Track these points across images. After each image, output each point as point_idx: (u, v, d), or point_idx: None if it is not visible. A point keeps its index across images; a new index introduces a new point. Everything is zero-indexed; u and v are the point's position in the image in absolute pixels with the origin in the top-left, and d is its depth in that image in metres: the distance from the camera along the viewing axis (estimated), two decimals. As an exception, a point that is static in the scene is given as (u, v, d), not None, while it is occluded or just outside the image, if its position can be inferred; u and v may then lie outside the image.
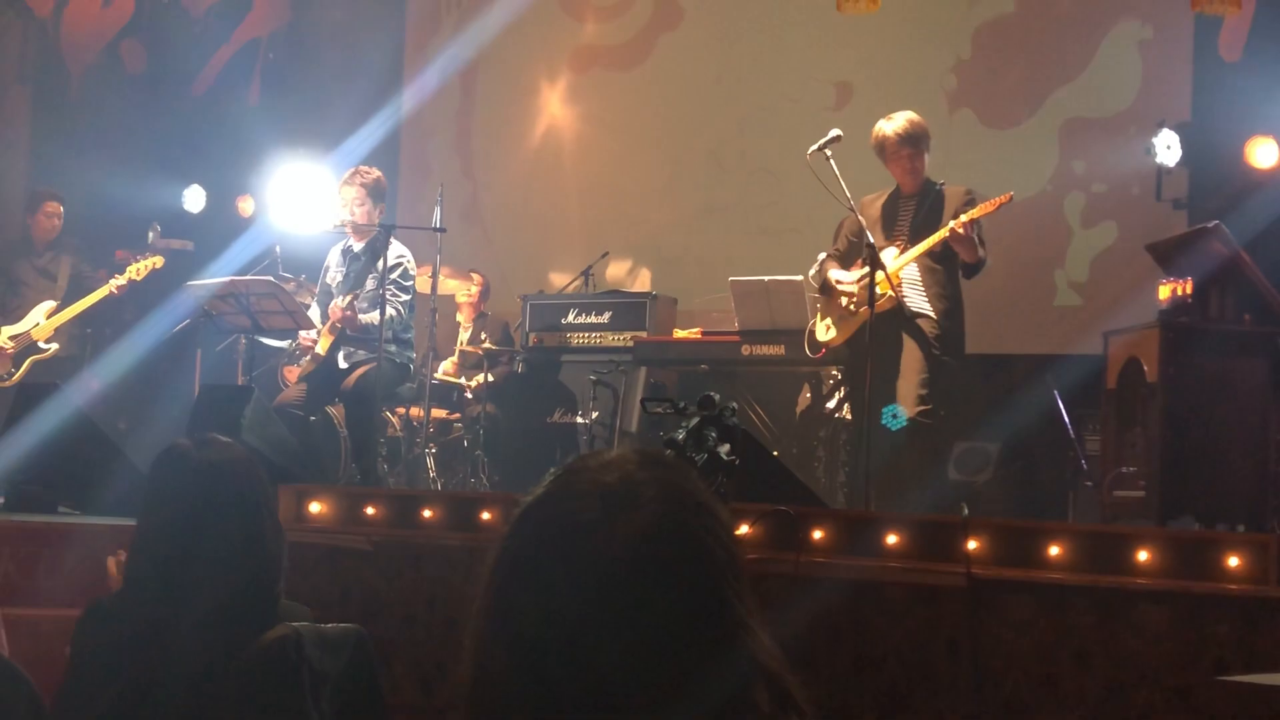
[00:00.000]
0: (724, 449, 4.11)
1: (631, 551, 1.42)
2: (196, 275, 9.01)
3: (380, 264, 7.89)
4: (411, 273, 8.19)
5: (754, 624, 1.47)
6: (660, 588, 1.42)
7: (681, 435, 4.09)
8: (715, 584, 1.45)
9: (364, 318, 8.00)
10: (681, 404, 4.40)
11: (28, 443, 6.78)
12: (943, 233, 6.95)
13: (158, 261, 9.37)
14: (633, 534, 1.43)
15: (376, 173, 8.24)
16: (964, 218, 6.90)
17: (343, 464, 8.39)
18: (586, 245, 9.99)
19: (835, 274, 7.26)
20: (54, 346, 9.42)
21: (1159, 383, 6.13)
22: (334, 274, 8.30)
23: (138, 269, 9.32)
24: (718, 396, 4.21)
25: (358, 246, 8.21)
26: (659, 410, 5.59)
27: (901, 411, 7.10)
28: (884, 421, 7.09)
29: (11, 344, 9.37)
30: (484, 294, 9.84)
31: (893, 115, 7.19)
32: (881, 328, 6.83)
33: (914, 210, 7.21)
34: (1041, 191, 9.03)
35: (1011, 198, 7.03)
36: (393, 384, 8.09)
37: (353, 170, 8.25)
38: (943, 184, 7.24)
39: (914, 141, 7.14)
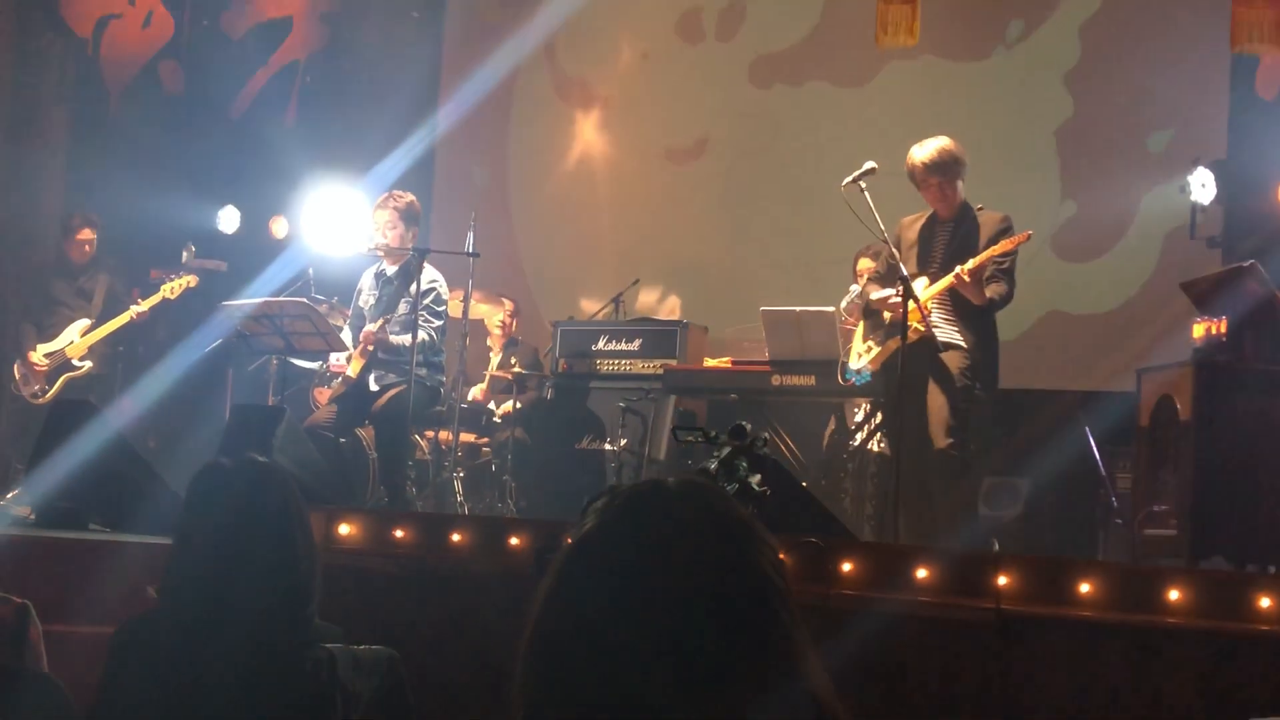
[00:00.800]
0: (755, 479, 4.12)
1: (688, 579, 1.42)
2: (230, 296, 9.05)
3: (413, 288, 7.92)
4: (444, 298, 8.22)
5: (808, 651, 1.47)
6: (719, 615, 1.42)
7: (713, 465, 4.09)
8: (773, 611, 1.45)
9: (395, 339, 8.04)
10: (713, 433, 4.40)
11: (60, 460, 6.82)
12: (948, 280, 6.95)
13: (191, 281, 9.44)
14: (689, 561, 1.43)
15: (410, 197, 8.27)
16: (968, 265, 6.91)
17: (371, 486, 8.40)
18: (618, 272, 10.01)
19: (876, 294, 7.25)
20: (88, 364, 9.51)
21: (1192, 422, 6.10)
22: (366, 297, 8.33)
23: (171, 288, 9.40)
24: (749, 426, 4.21)
25: (391, 270, 8.24)
26: (690, 439, 5.59)
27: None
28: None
29: (46, 361, 9.45)
30: (514, 319, 9.87)
31: (925, 142, 7.19)
32: (913, 358, 6.82)
33: (949, 236, 7.20)
34: (1075, 226, 9.02)
35: (1030, 237, 7.02)
36: (422, 407, 8.12)
37: (386, 194, 8.28)
38: (980, 208, 7.23)
39: (942, 169, 7.13)
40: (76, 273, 9.83)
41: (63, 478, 6.76)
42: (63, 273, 9.90)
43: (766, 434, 4.06)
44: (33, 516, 7.01)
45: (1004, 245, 6.96)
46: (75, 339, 9.48)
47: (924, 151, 7.14)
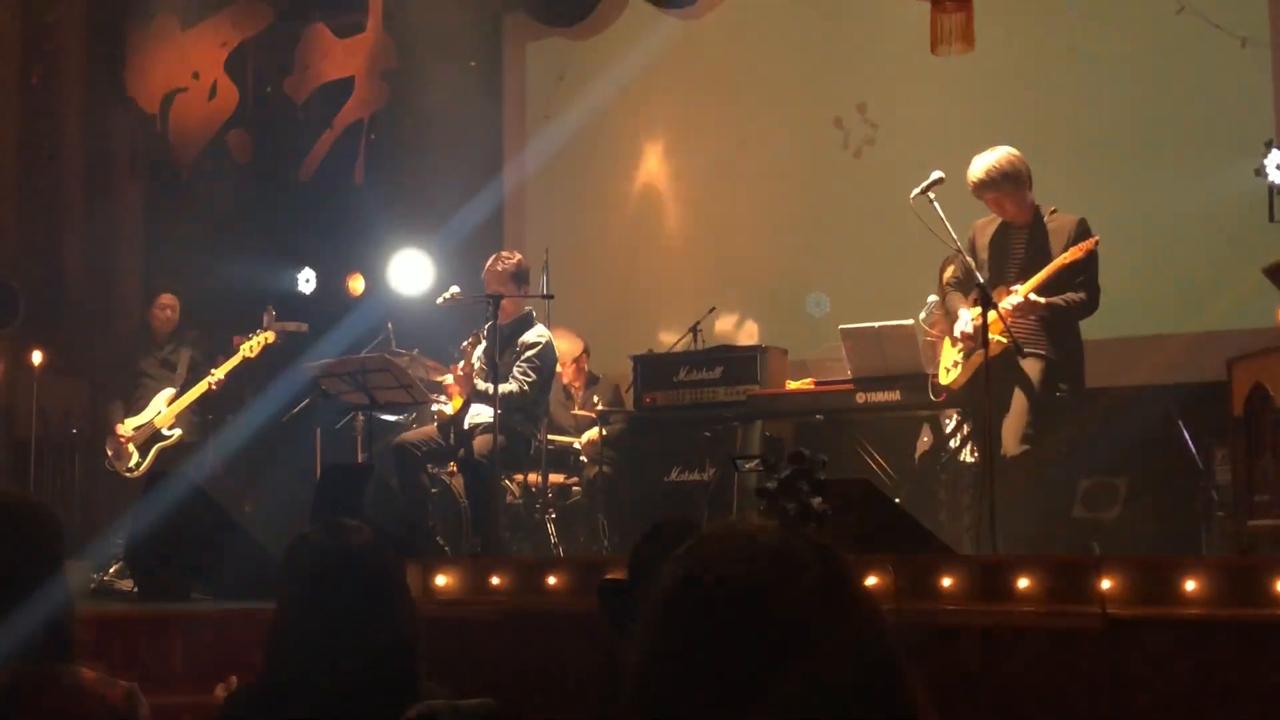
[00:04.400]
0: (815, 500, 4.11)
1: (803, 613, 1.41)
2: (311, 355, 9.15)
3: (519, 341, 8.24)
4: (546, 356, 8.35)
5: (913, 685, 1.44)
6: (833, 651, 1.40)
7: (774, 485, 4.09)
8: (885, 646, 1.43)
9: (481, 385, 8.14)
10: (772, 460, 4.42)
11: (158, 532, 6.91)
12: (1020, 295, 6.91)
13: (269, 337, 9.55)
14: (802, 596, 1.41)
15: (517, 257, 8.49)
16: (1025, 287, 6.87)
17: (464, 535, 8.45)
18: (693, 302, 10.00)
19: (958, 326, 7.19)
20: (177, 432, 9.64)
21: (1287, 407, 5.99)
22: (482, 348, 8.48)
23: (250, 346, 9.53)
24: (807, 452, 4.23)
25: (503, 324, 8.35)
26: (750, 468, 5.57)
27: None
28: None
29: (135, 434, 9.59)
30: (585, 356, 9.89)
31: (982, 155, 7.16)
32: (997, 367, 6.76)
33: (1025, 243, 7.16)
34: (1153, 216, 8.91)
35: (1097, 242, 6.95)
36: (512, 453, 8.20)
37: (494, 256, 8.47)
38: (1054, 211, 7.17)
39: (993, 186, 7.11)
40: (160, 344, 9.97)
41: (161, 549, 6.85)
42: (146, 346, 10.04)
43: (825, 457, 4.04)
44: (136, 590, 7.11)
45: (1073, 254, 6.90)
46: (162, 409, 9.61)
47: (975, 169, 7.12)
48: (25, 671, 2.64)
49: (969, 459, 7.94)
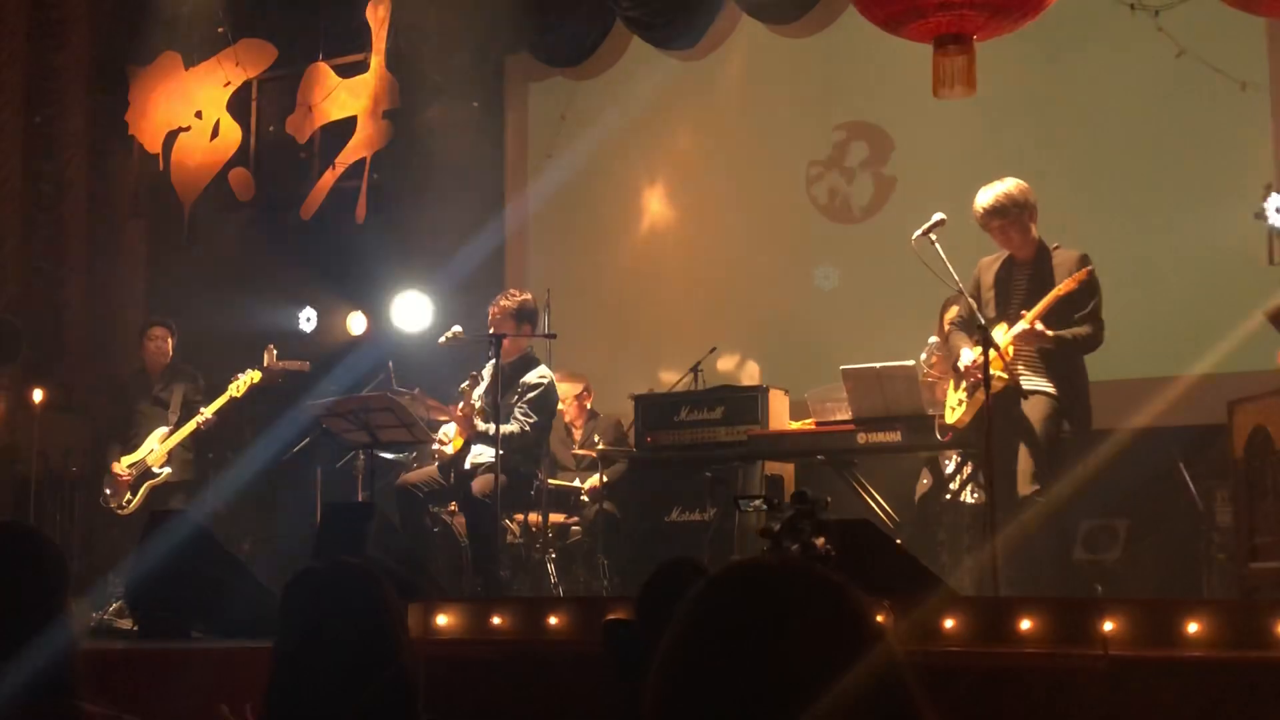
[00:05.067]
0: (818, 540, 4.13)
1: (819, 649, 1.41)
2: (312, 394, 9.16)
3: (520, 382, 8.30)
4: (550, 398, 8.40)
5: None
6: (850, 687, 1.40)
7: (777, 526, 4.11)
8: (903, 681, 1.44)
9: (481, 426, 8.16)
10: (775, 500, 4.44)
11: (158, 569, 6.90)
12: (1021, 326, 6.92)
13: (254, 376, 9.58)
14: (817, 633, 1.42)
15: (525, 295, 8.57)
16: (1030, 316, 6.89)
17: (465, 574, 8.44)
18: (694, 341, 10.02)
19: (962, 362, 7.19)
20: (167, 470, 9.63)
21: (1288, 449, 6.01)
22: (481, 389, 8.49)
23: (237, 386, 9.55)
24: (810, 492, 4.24)
25: (504, 363, 8.36)
26: (752, 509, 5.57)
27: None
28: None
29: (129, 472, 9.60)
30: (589, 394, 9.91)
31: (987, 186, 7.19)
32: (1002, 405, 6.77)
33: (1027, 278, 7.17)
34: (1152, 258, 8.94)
35: (1089, 273, 6.98)
36: (513, 493, 8.22)
37: (501, 294, 8.57)
38: (1056, 247, 7.20)
39: (1001, 213, 7.12)
40: (153, 382, 9.96)
41: (161, 587, 6.85)
42: (141, 384, 10.03)
43: (829, 497, 4.06)
44: (135, 628, 7.10)
45: (1066, 285, 6.93)
46: (155, 447, 9.62)
47: (983, 196, 7.15)
48: (29, 706, 2.63)
49: (970, 499, 7.94)
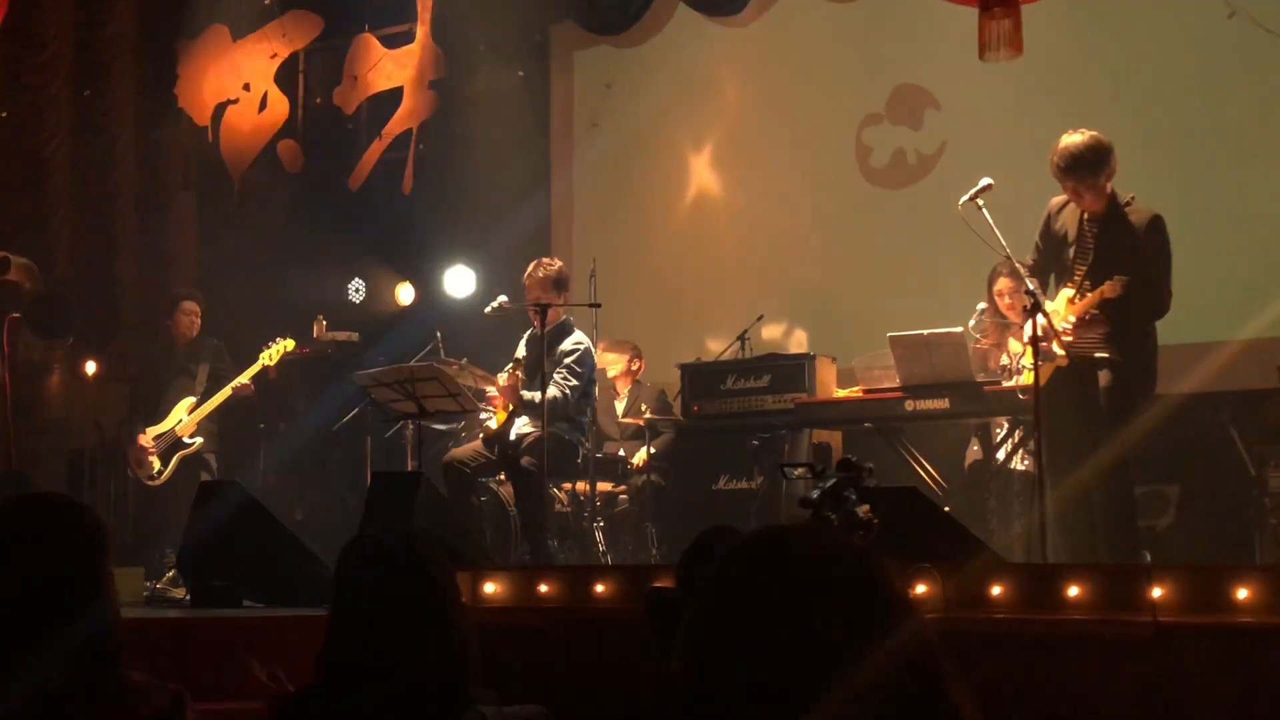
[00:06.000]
0: (862, 509, 4.09)
1: (839, 617, 1.41)
2: (361, 365, 9.20)
3: (557, 349, 8.26)
4: (587, 361, 8.37)
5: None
6: (872, 656, 1.40)
7: (816, 494, 4.07)
8: (927, 650, 1.44)
9: (526, 394, 8.18)
10: (820, 467, 4.40)
11: (210, 539, 6.97)
12: (1094, 297, 6.73)
13: (288, 345, 9.60)
14: (838, 601, 1.42)
15: (558, 264, 8.50)
16: (1075, 308, 6.74)
17: (514, 543, 8.47)
18: (741, 310, 10.01)
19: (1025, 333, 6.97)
20: (198, 440, 9.63)
21: (1341, 413, 5.94)
22: (522, 358, 8.52)
23: (269, 355, 9.57)
24: (854, 459, 4.21)
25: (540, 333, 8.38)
26: (798, 475, 5.54)
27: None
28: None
29: (154, 443, 9.59)
30: (639, 362, 9.91)
31: (1064, 138, 6.82)
32: (1061, 376, 6.68)
33: (1099, 233, 6.88)
34: (1203, 223, 8.84)
35: (1126, 285, 6.69)
36: (560, 461, 8.23)
37: (536, 262, 8.47)
38: (1130, 201, 6.86)
39: (1073, 173, 6.77)
40: (181, 353, 9.97)
41: (214, 557, 6.91)
42: (168, 356, 10.05)
43: (871, 464, 4.01)
44: (188, 597, 7.17)
45: (1111, 289, 6.68)
46: (183, 417, 9.62)
47: (1057, 154, 6.78)
48: (73, 676, 2.66)
49: (1020, 467, 7.89)
